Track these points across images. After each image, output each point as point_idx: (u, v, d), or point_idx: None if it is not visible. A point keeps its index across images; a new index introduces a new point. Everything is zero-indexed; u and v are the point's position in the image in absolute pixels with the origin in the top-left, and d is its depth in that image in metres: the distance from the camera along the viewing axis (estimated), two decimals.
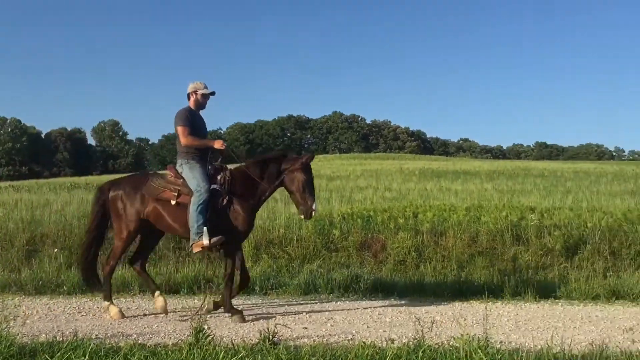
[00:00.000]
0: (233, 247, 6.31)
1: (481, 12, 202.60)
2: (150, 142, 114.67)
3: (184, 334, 4.82)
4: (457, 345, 3.91)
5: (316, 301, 6.90)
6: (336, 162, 47.81)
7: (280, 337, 4.56)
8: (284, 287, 7.32)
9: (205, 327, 4.37)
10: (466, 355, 3.75)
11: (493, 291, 7.25)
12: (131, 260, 6.67)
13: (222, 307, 6.19)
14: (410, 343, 4.07)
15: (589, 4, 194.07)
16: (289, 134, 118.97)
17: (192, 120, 6.50)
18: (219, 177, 6.33)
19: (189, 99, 6.64)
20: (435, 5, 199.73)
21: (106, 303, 6.17)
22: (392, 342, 4.07)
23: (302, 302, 6.88)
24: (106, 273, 6.31)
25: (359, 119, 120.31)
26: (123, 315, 6.11)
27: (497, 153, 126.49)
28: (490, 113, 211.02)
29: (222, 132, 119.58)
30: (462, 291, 7.28)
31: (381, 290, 7.27)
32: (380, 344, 4.20)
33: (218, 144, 6.41)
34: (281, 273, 7.95)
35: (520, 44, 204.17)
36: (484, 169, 37.52)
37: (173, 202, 6.20)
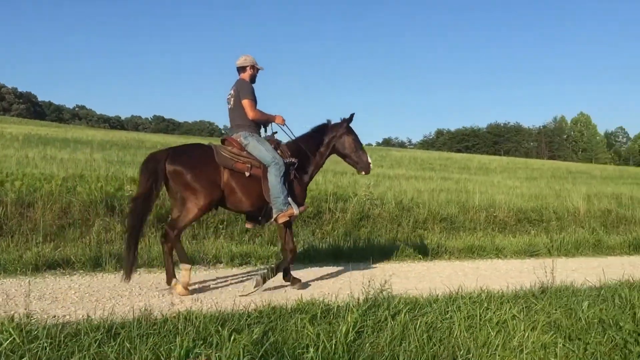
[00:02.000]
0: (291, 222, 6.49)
1: None
2: None
3: None
4: None
5: None
6: None
7: None
8: None
9: None
10: None
11: (84, 264, 6.97)
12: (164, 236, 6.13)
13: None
14: None
15: None
16: None
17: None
18: (278, 151, 6.30)
19: (243, 71, 6.49)
20: None
21: (187, 266, 5.94)
22: None
23: None
24: (173, 236, 5.96)
25: None
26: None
27: (115, 123, 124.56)
28: (110, 82, 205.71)
29: None
30: (55, 265, 6.80)
31: None
32: None
33: (279, 119, 6.53)
34: None
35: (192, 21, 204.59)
36: (98, 139, 36.43)
37: (247, 174, 6.07)
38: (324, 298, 5.24)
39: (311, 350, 3.71)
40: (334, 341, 3.91)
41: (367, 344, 4.06)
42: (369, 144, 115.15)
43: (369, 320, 4.52)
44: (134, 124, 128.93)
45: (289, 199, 6.17)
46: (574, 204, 14.95)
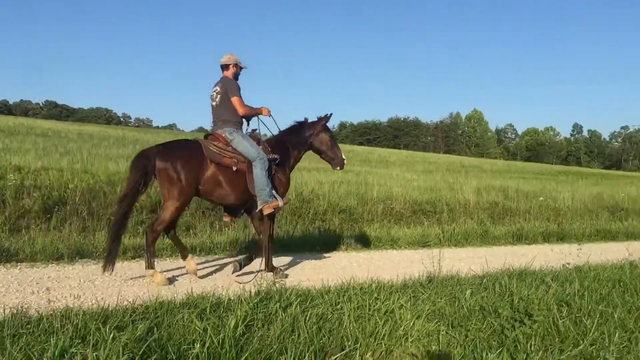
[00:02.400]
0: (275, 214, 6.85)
1: None
2: None
3: None
4: None
5: None
6: None
7: None
8: None
9: None
10: None
11: None
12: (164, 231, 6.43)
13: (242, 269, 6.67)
14: None
15: None
16: None
17: None
18: (260, 147, 6.56)
19: (227, 69, 6.73)
20: None
21: (151, 271, 6.01)
22: None
23: None
24: (152, 240, 6.09)
25: None
26: (169, 282, 6.09)
27: (2, 108, 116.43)
28: None
29: None
30: None
31: None
32: None
33: (266, 111, 6.81)
34: None
35: None
36: None
37: (234, 169, 6.29)
38: (215, 291, 5.16)
39: (197, 345, 3.62)
40: (221, 335, 3.85)
41: (256, 338, 4.03)
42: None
43: (260, 313, 4.50)
44: (23, 109, 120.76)
45: (273, 191, 6.53)
46: (465, 197, 15.71)
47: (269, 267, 6.78)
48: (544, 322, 4.84)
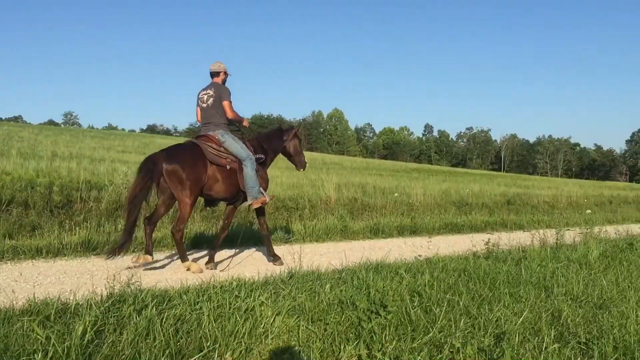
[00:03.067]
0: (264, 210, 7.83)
1: None
2: None
3: None
4: None
5: None
6: None
7: None
8: None
9: None
10: None
11: None
12: (147, 219, 7.08)
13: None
14: None
15: None
16: None
17: None
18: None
19: (217, 76, 7.47)
20: None
21: (186, 263, 6.88)
22: None
23: None
24: (179, 238, 6.85)
25: None
26: (202, 270, 6.92)
27: None
28: None
29: None
30: None
31: None
32: None
33: (246, 122, 7.68)
34: None
35: None
36: None
37: (228, 168, 7.11)
38: (62, 296, 4.77)
39: (38, 356, 3.31)
40: (67, 344, 3.55)
41: (107, 344, 3.76)
42: (133, 130, 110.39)
43: (112, 317, 4.22)
44: None
45: (261, 188, 7.31)
46: (327, 193, 16.09)
47: (272, 256, 7.78)
48: (398, 312, 5.04)
